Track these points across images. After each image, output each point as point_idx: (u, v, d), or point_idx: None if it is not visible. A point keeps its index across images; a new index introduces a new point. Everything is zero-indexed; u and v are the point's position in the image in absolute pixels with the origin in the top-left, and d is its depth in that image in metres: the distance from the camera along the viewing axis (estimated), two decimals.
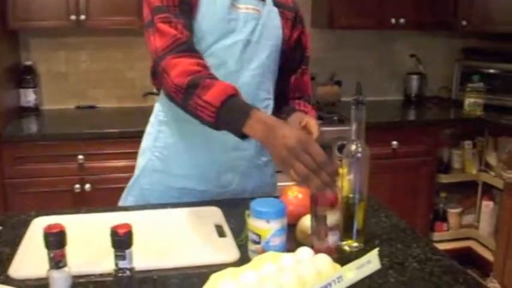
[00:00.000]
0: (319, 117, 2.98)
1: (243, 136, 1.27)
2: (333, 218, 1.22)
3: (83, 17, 3.08)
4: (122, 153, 2.89)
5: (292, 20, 1.73)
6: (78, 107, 3.53)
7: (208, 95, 1.30)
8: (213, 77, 1.36)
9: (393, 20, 3.53)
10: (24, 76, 3.38)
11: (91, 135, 2.92)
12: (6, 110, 3.08)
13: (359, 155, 1.29)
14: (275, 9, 1.68)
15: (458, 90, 3.95)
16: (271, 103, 1.71)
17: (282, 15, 1.71)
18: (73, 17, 3.08)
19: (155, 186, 1.69)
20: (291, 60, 1.76)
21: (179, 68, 1.37)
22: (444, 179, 3.59)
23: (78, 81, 3.53)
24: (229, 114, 1.28)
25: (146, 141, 1.73)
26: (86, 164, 2.90)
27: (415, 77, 3.97)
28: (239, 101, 1.30)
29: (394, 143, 3.28)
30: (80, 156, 2.88)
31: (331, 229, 1.23)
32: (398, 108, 3.93)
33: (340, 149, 3.00)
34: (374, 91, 3.90)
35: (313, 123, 1.51)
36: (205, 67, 1.40)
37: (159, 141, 1.68)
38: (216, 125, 1.32)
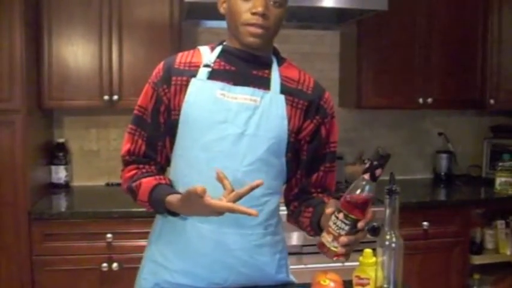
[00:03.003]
0: None
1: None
2: None
3: (115, 97, 3.16)
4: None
5: (303, 109, 1.58)
6: (108, 184, 3.56)
7: (139, 195, 1.57)
8: (143, 176, 1.60)
9: (421, 100, 3.54)
10: (56, 153, 3.44)
11: (120, 214, 2.91)
12: (37, 186, 3.12)
13: (393, 245, 1.27)
14: (281, 97, 1.55)
15: (489, 169, 3.91)
16: (272, 199, 1.60)
17: (291, 103, 1.57)
18: (106, 97, 3.16)
19: (152, 276, 1.67)
20: (309, 155, 1.63)
21: (124, 176, 1.68)
22: (477, 260, 3.48)
23: (109, 158, 3.58)
24: (158, 205, 1.52)
25: (151, 231, 1.74)
26: (114, 242, 2.89)
27: (444, 155, 3.94)
28: (161, 190, 1.52)
29: (425, 223, 3.21)
30: (109, 235, 2.88)
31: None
32: (428, 187, 3.88)
33: (370, 230, 2.95)
34: (403, 170, 3.87)
35: None
36: (141, 170, 1.64)
37: (159, 232, 1.67)
38: (159, 213, 1.60)
